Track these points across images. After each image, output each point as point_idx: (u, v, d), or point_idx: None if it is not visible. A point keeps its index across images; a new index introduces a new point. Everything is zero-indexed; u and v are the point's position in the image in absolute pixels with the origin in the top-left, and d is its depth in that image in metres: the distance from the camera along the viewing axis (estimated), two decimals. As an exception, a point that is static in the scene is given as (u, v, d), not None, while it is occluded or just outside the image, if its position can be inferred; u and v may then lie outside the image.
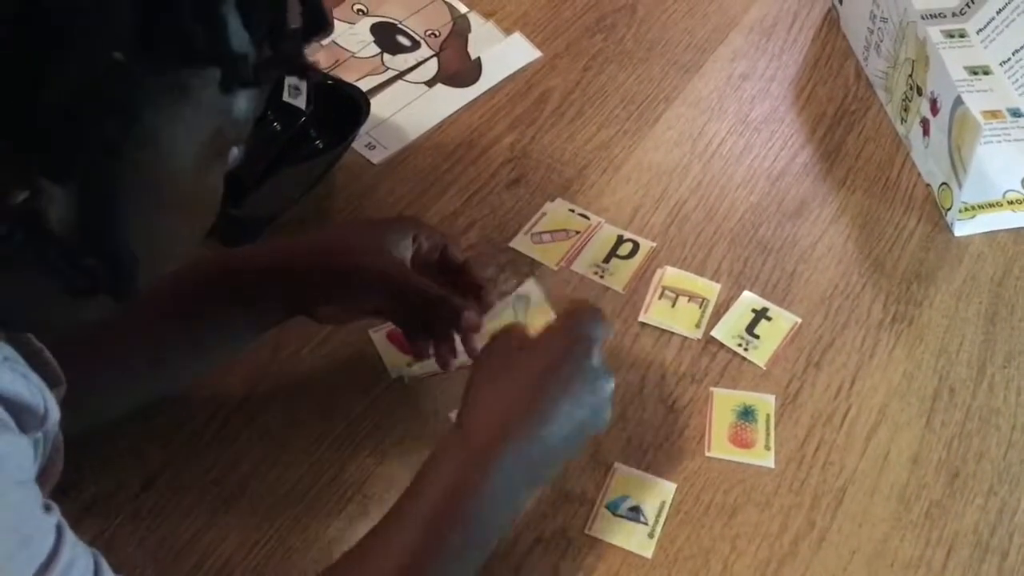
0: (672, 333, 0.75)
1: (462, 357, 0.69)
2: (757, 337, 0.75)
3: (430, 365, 0.73)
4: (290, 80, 0.85)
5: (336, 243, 0.69)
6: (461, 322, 0.67)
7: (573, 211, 0.83)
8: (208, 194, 0.48)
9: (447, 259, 0.70)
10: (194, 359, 0.68)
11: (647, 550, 0.65)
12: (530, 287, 0.76)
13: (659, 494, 0.67)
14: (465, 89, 0.93)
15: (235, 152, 0.48)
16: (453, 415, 0.70)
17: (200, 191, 0.47)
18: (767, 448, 0.69)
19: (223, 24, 0.42)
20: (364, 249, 0.68)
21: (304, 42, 0.47)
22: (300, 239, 0.72)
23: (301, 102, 0.85)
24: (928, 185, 0.85)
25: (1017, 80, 0.93)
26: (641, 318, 0.76)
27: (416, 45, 0.97)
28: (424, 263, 0.69)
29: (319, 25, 0.47)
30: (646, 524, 0.66)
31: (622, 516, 0.66)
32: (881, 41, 0.90)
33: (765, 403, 0.72)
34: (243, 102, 0.45)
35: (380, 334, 0.75)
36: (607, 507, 0.66)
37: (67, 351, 0.51)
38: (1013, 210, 0.84)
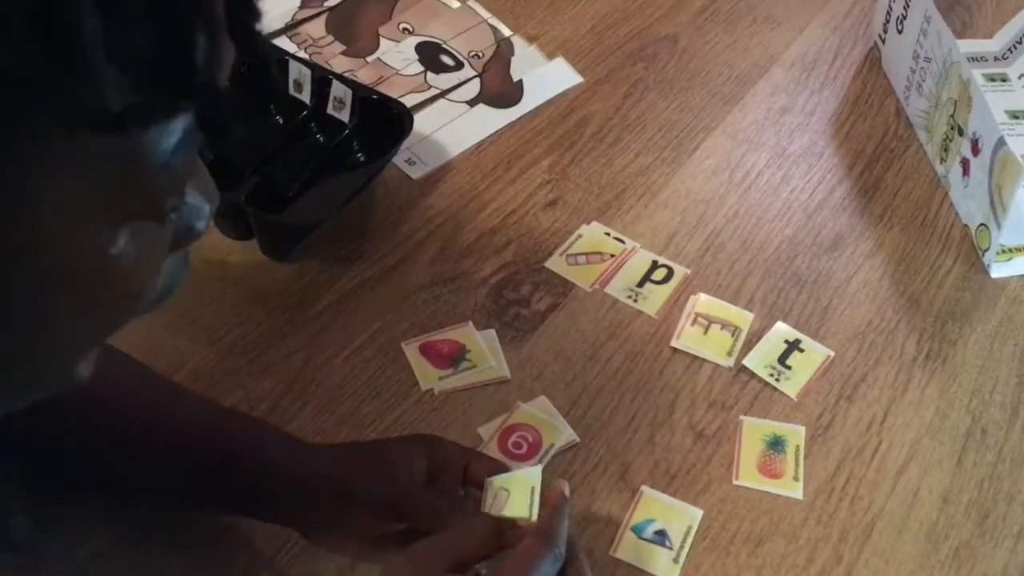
0: (703, 360, 0.75)
1: None
2: (789, 368, 0.75)
3: (461, 379, 0.73)
4: (335, 93, 0.86)
5: (342, 471, 0.61)
6: None
7: (609, 234, 0.83)
8: (121, 272, 0.35)
9: (470, 477, 0.62)
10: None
11: (672, 575, 0.64)
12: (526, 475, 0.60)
13: (685, 519, 0.67)
14: (506, 110, 0.94)
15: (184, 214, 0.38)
16: (482, 430, 0.71)
17: (100, 267, 0.35)
18: (796, 479, 0.69)
19: (72, 28, 0.29)
20: (372, 478, 0.60)
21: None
22: (302, 454, 0.62)
23: (345, 115, 0.87)
24: (965, 225, 0.85)
25: (1058, 126, 0.93)
26: (673, 344, 0.76)
27: (459, 65, 0.98)
28: (440, 472, 0.62)
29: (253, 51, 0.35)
30: (671, 549, 0.65)
31: (647, 540, 0.66)
32: (923, 81, 0.90)
33: (795, 434, 0.71)
34: (143, 146, 0.33)
35: (412, 346, 0.75)
36: (632, 530, 0.66)
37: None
38: (1051, 254, 0.83)
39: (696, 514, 0.67)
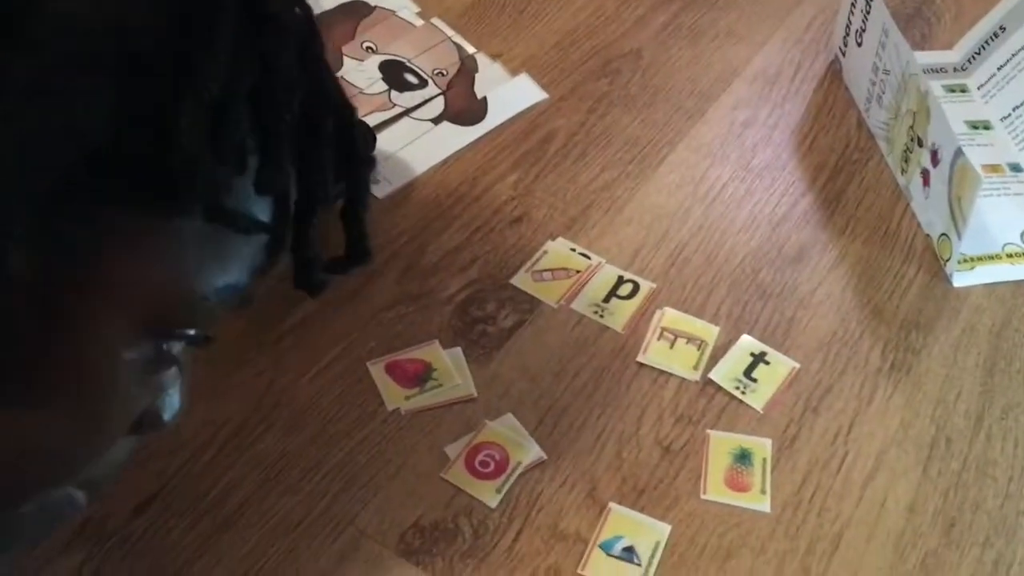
0: (670, 374, 0.75)
1: None
2: (755, 381, 0.75)
3: (427, 398, 0.73)
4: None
5: None
6: None
7: (574, 250, 0.83)
8: (115, 387, 0.39)
9: None
10: None
11: (640, 591, 0.64)
12: None
13: (654, 535, 0.67)
14: (471, 127, 0.94)
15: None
16: (448, 449, 0.70)
17: (107, 370, 0.38)
18: (763, 492, 0.69)
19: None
20: None
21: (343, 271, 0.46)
22: None
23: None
24: (927, 236, 0.86)
25: (1017, 135, 0.94)
26: (639, 358, 0.76)
27: (423, 83, 0.98)
28: None
29: (361, 258, 0.45)
30: (639, 565, 0.65)
31: (616, 556, 0.65)
32: (883, 93, 0.91)
33: (762, 447, 0.71)
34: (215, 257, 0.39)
35: (378, 366, 0.75)
36: (601, 547, 0.66)
37: None
38: (1012, 263, 0.84)
39: (664, 530, 0.67)
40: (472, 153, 0.92)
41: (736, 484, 0.69)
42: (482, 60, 1.01)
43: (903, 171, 0.89)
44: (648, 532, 0.67)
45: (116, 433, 0.42)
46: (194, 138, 0.34)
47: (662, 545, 0.66)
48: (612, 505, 0.68)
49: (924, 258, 0.84)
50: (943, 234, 0.83)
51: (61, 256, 0.33)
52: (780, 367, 0.76)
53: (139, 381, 0.41)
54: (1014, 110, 0.95)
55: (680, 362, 0.76)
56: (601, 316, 0.79)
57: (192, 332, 0.43)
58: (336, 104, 0.42)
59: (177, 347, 0.43)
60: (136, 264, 0.36)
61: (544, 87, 0.98)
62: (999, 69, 0.98)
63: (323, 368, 0.75)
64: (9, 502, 0.40)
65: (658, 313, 0.79)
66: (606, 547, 0.66)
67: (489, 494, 0.68)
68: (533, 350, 0.77)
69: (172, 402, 0.45)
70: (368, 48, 1.01)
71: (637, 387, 0.75)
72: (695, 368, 0.76)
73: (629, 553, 0.66)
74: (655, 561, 0.65)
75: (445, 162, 0.91)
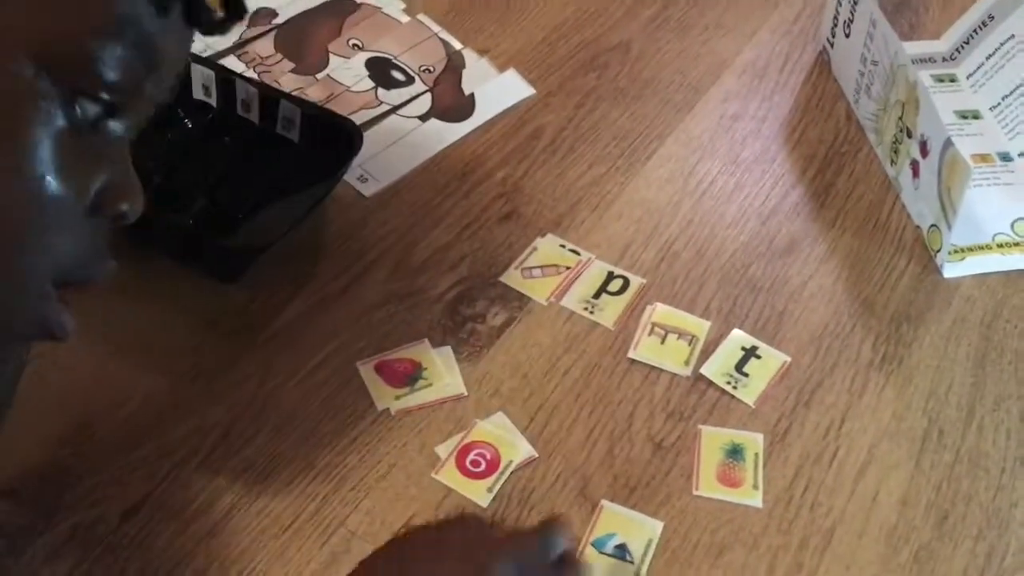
0: (661, 370, 0.75)
1: None
2: (746, 375, 0.75)
3: (417, 397, 0.73)
4: (283, 112, 0.85)
5: None
6: None
7: (564, 246, 0.83)
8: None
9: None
10: None
11: (633, 589, 0.64)
12: None
13: (646, 532, 0.66)
14: (458, 124, 0.93)
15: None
16: (439, 449, 0.70)
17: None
18: (755, 487, 0.69)
19: None
20: None
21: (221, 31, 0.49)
22: None
23: (294, 135, 0.86)
24: (917, 227, 0.86)
25: (1007, 124, 0.94)
26: (630, 355, 0.76)
27: (410, 80, 0.97)
28: None
29: (237, 13, 0.49)
30: (632, 563, 0.65)
31: (608, 554, 0.65)
32: (871, 84, 0.91)
33: (753, 442, 0.71)
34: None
35: (368, 367, 0.74)
36: (593, 545, 0.66)
37: None
38: (1002, 253, 0.84)
39: (656, 526, 0.67)
40: (460, 150, 0.91)
41: (728, 479, 0.69)
42: (469, 56, 1.00)
43: (892, 162, 0.89)
44: (640, 529, 0.66)
45: (64, 197, 0.44)
46: None
47: (655, 542, 0.66)
48: (604, 503, 0.68)
49: (914, 249, 0.84)
50: (933, 225, 0.83)
51: None
52: (771, 361, 0.76)
53: (66, 145, 0.43)
54: (1003, 99, 0.95)
55: (671, 357, 0.76)
56: (591, 312, 0.79)
57: (104, 94, 0.44)
58: None
59: (93, 110, 0.45)
60: None
61: (532, 82, 0.97)
62: (988, 58, 0.98)
63: (312, 369, 0.74)
64: None
65: (648, 308, 0.79)
66: (599, 545, 0.66)
67: (480, 493, 0.68)
68: (523, 348, 0.76)
69: (126, 186, 0.47)
70: (354, 45, 1.00)
71: (628, 383, 0.75)
72: (686, 363, 0.75)
73: (622, 551, 0.65)
74: (648, 558, 0.65)
75: (433, 159, 0.90)
